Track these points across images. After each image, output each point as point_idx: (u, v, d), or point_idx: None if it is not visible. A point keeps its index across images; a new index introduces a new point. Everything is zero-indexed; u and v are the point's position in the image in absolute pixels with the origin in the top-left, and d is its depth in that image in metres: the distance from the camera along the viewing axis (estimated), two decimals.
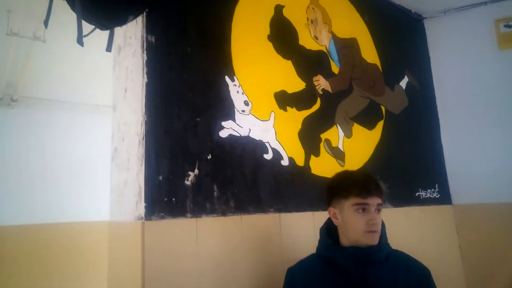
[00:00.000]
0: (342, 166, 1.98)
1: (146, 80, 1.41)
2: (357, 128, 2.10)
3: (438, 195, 2.34)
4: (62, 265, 3.44)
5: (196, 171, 1.46)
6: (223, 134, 1.58)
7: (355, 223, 1.13)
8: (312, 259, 1.27)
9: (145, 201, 1.30)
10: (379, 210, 1.16)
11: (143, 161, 1.34)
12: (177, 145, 1.43)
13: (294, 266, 1.30)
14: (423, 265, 1.21)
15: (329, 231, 1.26)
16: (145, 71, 1.41)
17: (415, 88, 2.46)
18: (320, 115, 1.95)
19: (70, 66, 2.96)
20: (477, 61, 2.36)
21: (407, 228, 2.01)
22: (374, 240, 1.13)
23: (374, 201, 1.14)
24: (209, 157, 1.52)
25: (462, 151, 2.36)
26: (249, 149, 1.65)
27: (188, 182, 1.43)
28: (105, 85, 1.89)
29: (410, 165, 2.28)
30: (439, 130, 2.48)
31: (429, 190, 2.30)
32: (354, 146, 2.05)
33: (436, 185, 2.35)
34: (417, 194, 2.25)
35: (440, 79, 2.53)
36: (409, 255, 1.25)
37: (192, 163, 1.46)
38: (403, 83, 2.43)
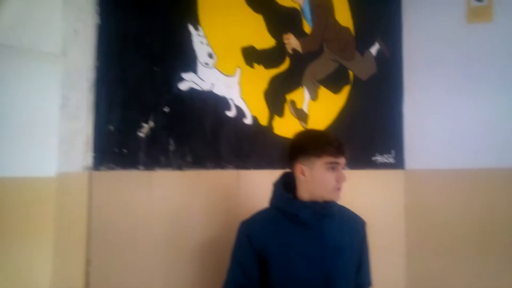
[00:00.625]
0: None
1: (98, 21, 1.29)
2: (323, 91, 2.08)
3: (394, 161, 2.41)
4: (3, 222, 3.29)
5: (151, 123, 1.40)
6: (183, 86, 1.50)
7: (325, 181, 1.19)
8: (268, 212, 1.29)
9: (94, 151, 1.23)
10: (343, 169, 1.24)
11: (93, 110, 1.25)
12: (131, 94, 1.35)
13: (249, 219, 1.31)
14: (361, 217, 1.37)
15: (285, 186, 1.29)
16: (97, 11, 1.29)
17: (384, 55, 2.45)
18: (287, 75, 1.90)
19: (14, 7, 2.68)
20: (446, 33, 2.35)
21: (360, 189, 2.06)
22: (339, 196, 1.23)
23: (343, 160, 1.22)
24: (167, 109, 1.44)
25: (421, 120, 2.41)
26: (211, 104, 1.59)
27: (141, 134, 1.37)
28: (54, 27, 1.72)
29: (370, 131, 2.31)
30: (402, 98, 2.51)
31: (385, 155, 2.37)
32: (319, 109, 2.03)
33: (392, 151, 2.41)
34: (373, 158, 2.30)
35: (409, 48, 2.52)
36: (348, 208, 1.37)
37: (146, 114, 1.39)
38: (374, 49, 2.40)
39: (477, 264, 2.12)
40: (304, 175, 1.23)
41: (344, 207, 1.35)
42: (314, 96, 2.02)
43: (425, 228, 2.32)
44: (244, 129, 1.69)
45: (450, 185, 2.24)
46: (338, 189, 1.21)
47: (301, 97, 1.97)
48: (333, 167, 1.20)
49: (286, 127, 1.88)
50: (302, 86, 1.97)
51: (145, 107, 1.38)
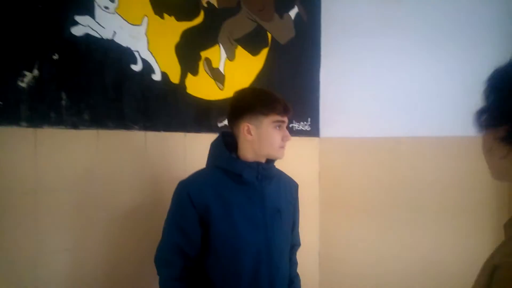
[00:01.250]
0: (221, 90, 1.89)
1: None
2: (240, 52, 2.00)
3: (309, 128, 2.48)
4: None
5: (36, 71, 1.18)
6: (77, 31, 1.29)
7: (272, 139, 1.20)
8: (209, 172, 1.24)
9: None
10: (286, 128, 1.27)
11: None
12: (6, 34, 1.11)
13: (190, 179, 1.24)
14: (294, 180, 1.42)
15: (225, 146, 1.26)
16: None
17: (302, 20, 2.44)
18: (202, 30, 1.77)
19: None
20: (364, 1, 2.40)
21: None
22: (283, 154, 1.25)
23: (287, 119, 1.25)
24: (56, 57, 1.23)
25: (337, 88, 2.50)
26: (113, 55, 1.41)
27: (23, 84, 1.15)
28: None
29: (288, 97, 2.31)
30: (319, 66, 2.56)
31: (302, 123, 2.42)
32: (236, 70, 1.96)
33: (309, 118, 2.48)
34: (290, 125, 2.33)
35: (327, 14, 2.55)
36: (282, 171, 1.40)
37: (29, 61, 1.17)
38: (293, 13, 2.38)
39: (383, 223, 2.32)
40: (250, 134, 1.20)
41: (279, 169, 1.35)
42: (231, 56, 1.94)
43: (336, 192, 2.46)
44: (152, 86, 1.55)
45: (361, 153, 2.38)
46: (283, 147, 1.23)
47: (217, 55, 1.87)
48: (279, 125, 1.21)
49: (201, 87, 1.78)
50: (218, 44, 1.86)
51: (27, 52, 1.16)
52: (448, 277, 2.11)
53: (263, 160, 1.25)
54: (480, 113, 0.72)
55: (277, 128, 1.21)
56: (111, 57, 1.40)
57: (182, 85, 1.69)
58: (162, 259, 1.21)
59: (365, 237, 2.36)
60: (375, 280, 2.31)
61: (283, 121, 1.22)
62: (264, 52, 2.16)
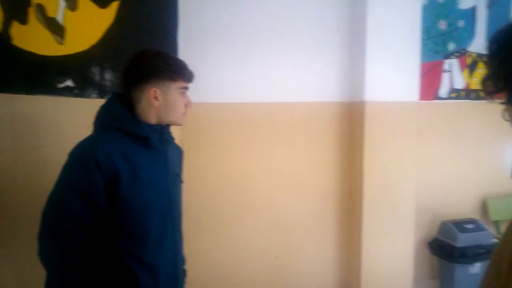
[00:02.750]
0: (62, 44, 1.62)
1: None
2: (85, 2, 1.74)
3: None
4: None
5: None
6: None
7: (177, 106, 1.20)
8: (112, 135, 1.14)
9: None
10: None
11: None
12: None
13: (93, 142, 1.12)
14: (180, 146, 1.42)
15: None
16: None
17: None
18: None
19: None
20: None
21: None
22: (184, 121, 1.25)
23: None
24: None
25: (196, 51, 2.45)
26: None
27: None
28: None
29: None
30: (177, 28, 2.46)
31: None
32: (80, 22, 1.70)
33: None
34: None
35: None
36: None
37: None
38: None
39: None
40: (157, 99, 1.16)
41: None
42: (72, 5, 1.66)
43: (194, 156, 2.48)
44: None
45: (218, 117, 2.44)
46: (185, 114, 1.23)
47: (54, 3, 1.57)
48: (183, 92, 1.21)
49: (34, 39, 1.49)
50: None
51: None
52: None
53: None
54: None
55: (182, 94, 1.21)
56: None
57: (5, 35, 1.37)
58: (57, 233, 1.07)
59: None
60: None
61: (187, 88, 1.22)
62: (114, 6, 1.93)
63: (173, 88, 1.18)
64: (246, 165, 2.48)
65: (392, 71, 2.51)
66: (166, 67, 1.17)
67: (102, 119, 1.19)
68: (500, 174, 3.15)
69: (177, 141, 1.36)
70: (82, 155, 1.09)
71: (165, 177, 1.22)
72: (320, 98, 2.58)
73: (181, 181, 1.34)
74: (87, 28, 1.76)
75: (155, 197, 1.17)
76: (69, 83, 1.66)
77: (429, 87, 2.84)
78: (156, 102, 1.16)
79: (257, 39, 2.43)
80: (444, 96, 2.90)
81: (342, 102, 2.62)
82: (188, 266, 1.40)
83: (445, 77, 2.88)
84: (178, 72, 1.18)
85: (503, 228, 3.12)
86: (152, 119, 1.18)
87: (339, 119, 2.63)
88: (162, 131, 1.20)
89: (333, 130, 2.63)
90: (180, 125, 1.25)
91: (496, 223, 3.11)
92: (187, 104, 1.22)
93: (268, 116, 2.50)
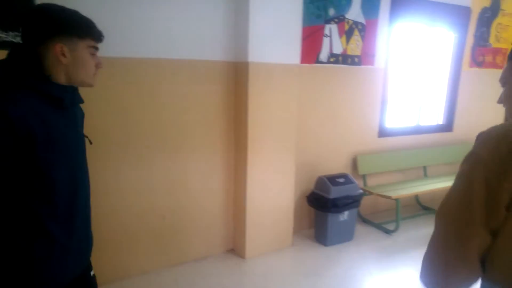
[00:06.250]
0: None
1: None
2: None
3: None
4: None
5: None
6: None
7: (87, 65, 1.17)
8: (24, 93, 1.05)
9: None
10: None
11: None
12: None
13: (5, 99, 1.00)
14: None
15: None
16: None
17: None
18: None
19: None
20: None
21: None
22: (95, 82, 1.23)
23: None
24: None
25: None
26: None
27: None
28: None
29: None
30: None
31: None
32: None
33: None
34: None
35: None
36: None
37: None
38: None
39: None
40: (65, 56, 1.11)
41: None
42: None
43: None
44: None
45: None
46: (95, 74, 1.21)
47: None
48: (93, 52, 1.18)
49: None
50: None
51: None
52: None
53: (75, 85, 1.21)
54: None
55: (91, 54, 1.17)
56: None
57: None
58: None
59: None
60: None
61: (97, 48, 1.19)
62: None
63: (81, 46, 1.15)
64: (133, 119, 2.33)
65: (276, 32, 2.55)
66: (73, 23, 1.13)
67: (6, 75, 1.07)
68: (369, 134, 3.56)
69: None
70: None
71: (76, 138, 1.22)
72: (206, 57, 2.51)
73: (91, 142, 1.32)
74: None
75: (67, 159, 1.16)
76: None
77: (310, 50, 2.98)
78: (64, 59, 1.12)
79: None
80: (324, 61, 3.08)
81: (227, 62, 2.60)
82: None
83: (325, 41, 3.05)
84: (85, 30, 1.14)
85: (369, 181, 3.59)
86: (61, 77, 1.15)
87: (225, 78, 2.62)
88: (74, 92, 1.20)
89: (219, 89, 2.62)
90: (91, 85, 1.22)
91: (363, 177, 3.54)
92: (98, 65, 1.21)
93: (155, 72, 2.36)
